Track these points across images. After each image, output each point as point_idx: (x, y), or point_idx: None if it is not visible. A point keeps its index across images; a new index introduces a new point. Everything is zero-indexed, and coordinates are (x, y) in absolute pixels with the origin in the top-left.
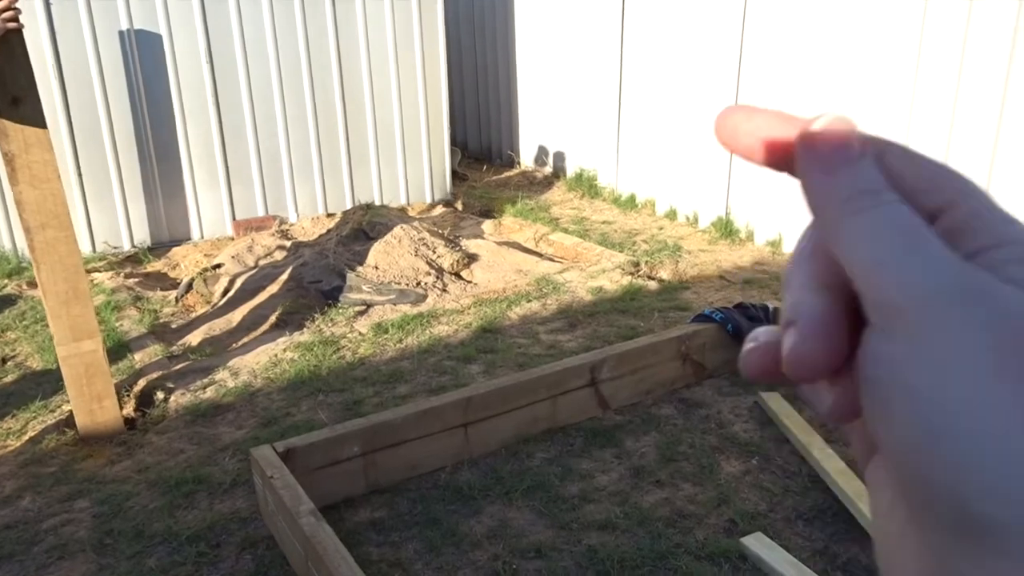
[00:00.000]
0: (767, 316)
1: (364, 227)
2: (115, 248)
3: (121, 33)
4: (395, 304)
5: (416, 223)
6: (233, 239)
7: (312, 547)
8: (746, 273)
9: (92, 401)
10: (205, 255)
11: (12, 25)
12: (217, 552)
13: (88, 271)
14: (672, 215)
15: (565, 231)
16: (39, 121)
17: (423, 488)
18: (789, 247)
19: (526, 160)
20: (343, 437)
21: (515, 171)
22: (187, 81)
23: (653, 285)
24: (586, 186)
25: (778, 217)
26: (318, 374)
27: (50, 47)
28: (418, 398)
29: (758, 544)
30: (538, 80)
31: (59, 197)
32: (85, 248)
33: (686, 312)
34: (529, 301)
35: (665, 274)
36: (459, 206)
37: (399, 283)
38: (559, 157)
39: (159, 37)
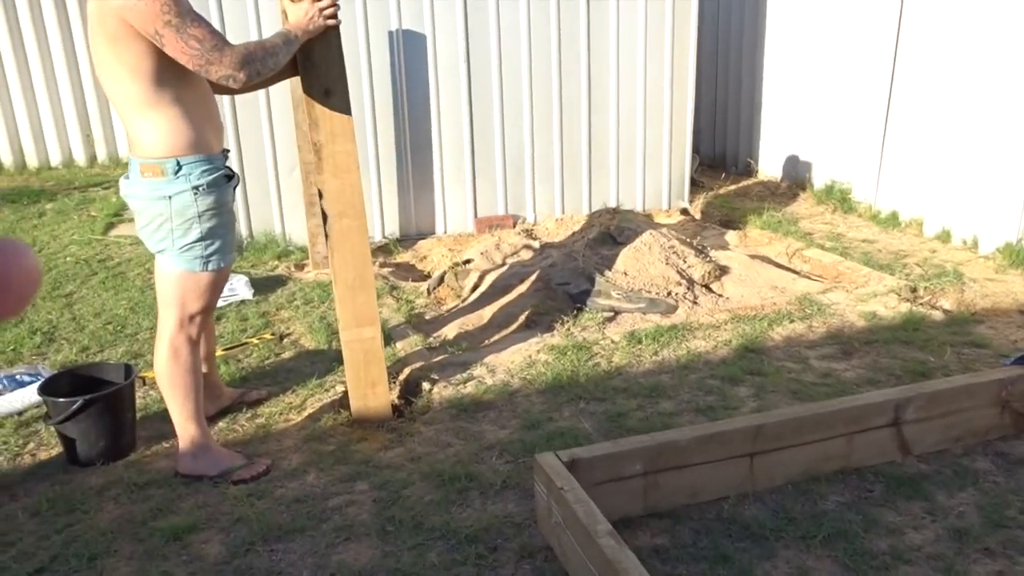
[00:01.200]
0: None
1: (612, 231)
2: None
3: (390, 33)
4: (644, 313)
5: (664, 230)
6: (473, 235)
7: (612, 571)
8: None
9: (367, 386)
10: (450, 249)
11: (332, 22)
12: (495, 556)
13: None
14: (945, 237)
15: (821, 247)
16: (346, 112)
17: (705, 518)
18: None
19: (766, 169)
20: (627, 454)
21: (753, 180)
22: (445, 80)
23: (937, 315)
24: (838, 199)
25: None
26: (575, 380)
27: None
28: (685, 416)
29: None
30: (787, 85)
31: (357, 187)
32: None
33: (983, 350)
34: (792, 321)
35: (948, 303)
36: (697, 214)
37: (649, 291)
38: (804, 167)
39: (423, 37)
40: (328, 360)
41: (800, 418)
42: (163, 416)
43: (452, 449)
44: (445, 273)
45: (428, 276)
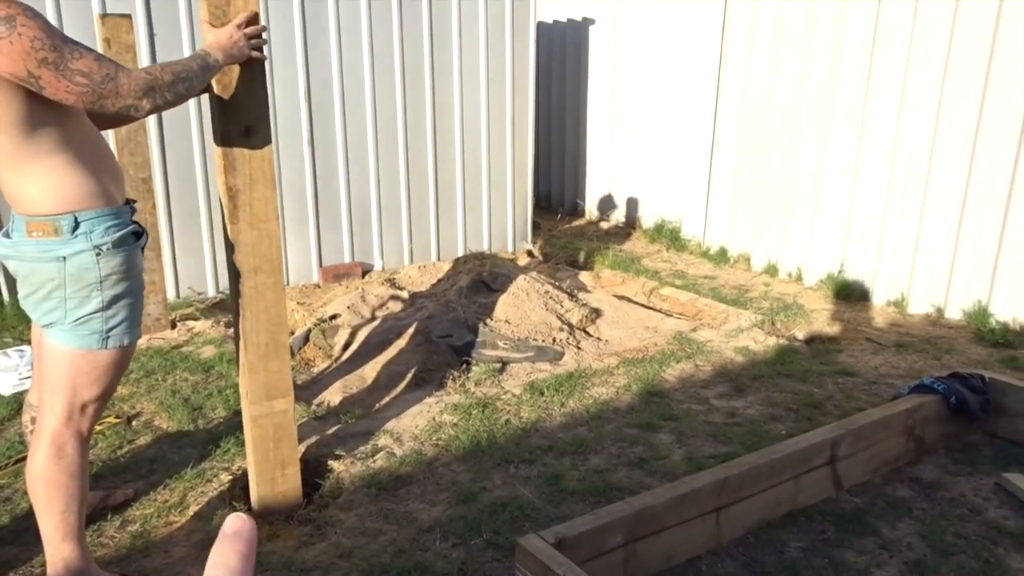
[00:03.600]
0: (985, 386)
1: (485, 278)
2: (200, 293)
3: None
4: (533, 362)
5: (534, 274)
6: (319, 285)
7: None
8: (890, 335)
9: (275, 468)
10: (299, 303)
11: (256, 54)
12: None
13: (183, 318)
14: (771, 271)
15: (672, 285)
16: (267, 155)
17: None
18: (915, 307)
19: (593, 208)
20: (608, 526)
21: (585, 220)
22: (285, 120)
23: (802, 347)
24: (669, 237)
25: (900, 275)
26: (493, 441)
27: None
28: (620, 472)
29: None
30: (612, 128)
31: (275, 239)
32: (170, 294)
33: (855, 378)
34: (678, 362)
35: (800, 334)
36: (538, 254)
37: (535, 339)
38: (632, 206)
39: None
40: (197, 443)
41: (758, 466)
42: (1, 536)
43: (385, 537)
44: (310, 331)
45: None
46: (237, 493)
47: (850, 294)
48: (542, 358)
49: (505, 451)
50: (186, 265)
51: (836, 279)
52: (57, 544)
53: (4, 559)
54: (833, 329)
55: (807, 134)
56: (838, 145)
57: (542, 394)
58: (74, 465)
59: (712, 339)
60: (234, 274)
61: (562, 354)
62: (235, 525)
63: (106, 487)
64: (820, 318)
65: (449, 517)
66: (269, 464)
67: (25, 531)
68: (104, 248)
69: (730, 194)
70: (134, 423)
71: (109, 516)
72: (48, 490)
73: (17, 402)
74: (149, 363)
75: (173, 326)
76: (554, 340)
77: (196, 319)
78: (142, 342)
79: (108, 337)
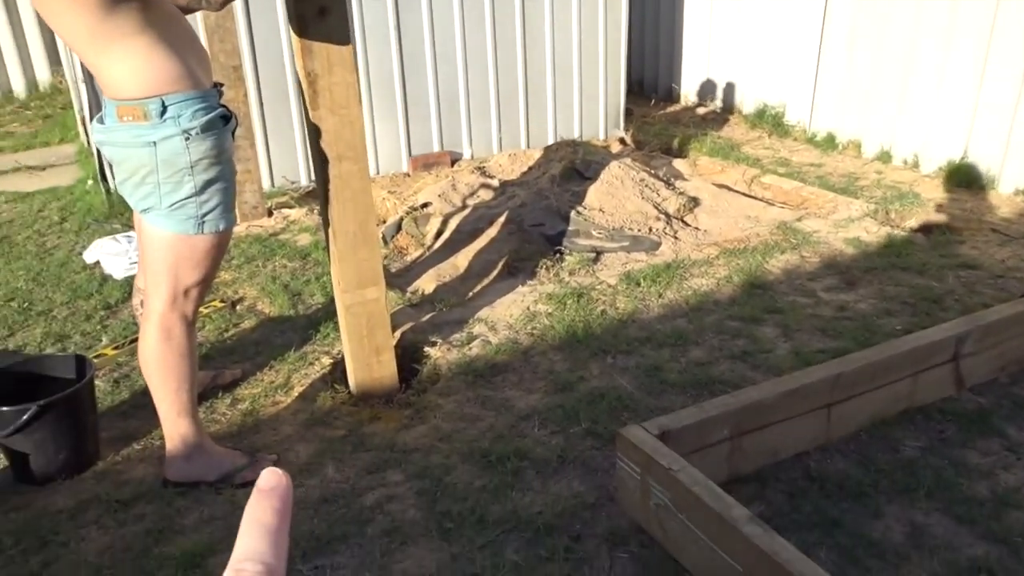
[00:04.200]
0: None
1: (578, 165)
2: (293, 182)
3: None
4: (628, 252)
5: (628, 161)
6: (409, 174)
7: (768, 563)
8: (1018, 226)
9: (371, 355)
10: (390, 192)
11: None
12: (582, 547)
13: (279, 207)
14: (884, 158)
15: (775, 173)
16: (344, 37)
17: (792, 478)
18: None
19: (689, 94)
20: (714, 419)
21: (679, 106)
22: (371, 10)
23: (919, 238)
24: (771, 123)
25: None
26: (590, 331)
27: None
28: (723, 365)
29: None
30: (711, 8)
31: (358, 125)
32: (264, 184)
33: (978, 271)
34: (782, 253)
35: (916, 224)
36: (631, 142)
37: (629, 228)
38: (730, 91)
39: None
40: (299, 328)
41: (874, 363)
42: (122, 411)
43: (483, 423)
44: (402, 219)
45: (378, 224)
46: (337, 376)
47: (973, 182)
48: (638, 248)
49: (602, 341)
50: (279, 154)
51: (957, 166)
52: (173, 420)
53: (127, 432)
54: (954, 219)
55: (931, 9)
56: (967, 22)
57: (638, 285)
58: (183, 347)
59: (819, 229)
60: (319, 162)
61: (659, 244)
62: (270, 481)
63: (215, 367)
64: (939, 208)
65: (547, 405)
66: (364, 351)
67: (143, 407)
68: (193, 132)
69: (840, 77)
70: (238, 307)
71: (220, 394)
72: (161, 371)
73: (129, 285)
74: (249, 250)
75: (270, 214)
76: (650, 230)
77: (291, 207)
78: (240, 229)
79: (204, 222)
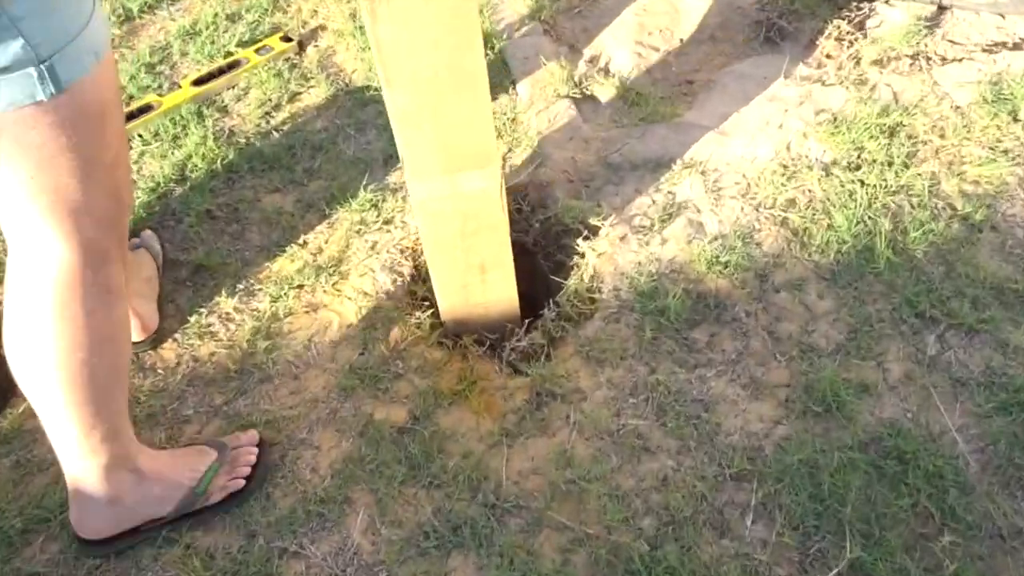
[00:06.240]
0: None
1: None
2: None
3: None
4: (1004, 14)
5: None
6: None
7: None
8: None
9: (469, 273)
10: None
11: None
12: None
13: None
14: None
15: None
16: None
17: None
18: None
19: None
20: None
21: None
22: None
23: None
24: None
25: None
26: (901, 247)
27: None
28: None
29: None
30: None
31: None
32: None
33: None
34: None
35: None
36: None
37: None
38: None
39: None
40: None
41: None
42: None
43: (667, 451)
44: None
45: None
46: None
47: None
48: (1018, 9)
49: (929, 277)
50: None
51: None
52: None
53: None
54: None
55: None
56: None
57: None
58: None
59: None
60: None
61: None
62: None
63: (249, 184)
64: None
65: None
66: (457, 267)
67: None
68: None
69: None
70: (306, 50)
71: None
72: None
73: None
74: None
75: None
76: None
77: None
78: None
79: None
